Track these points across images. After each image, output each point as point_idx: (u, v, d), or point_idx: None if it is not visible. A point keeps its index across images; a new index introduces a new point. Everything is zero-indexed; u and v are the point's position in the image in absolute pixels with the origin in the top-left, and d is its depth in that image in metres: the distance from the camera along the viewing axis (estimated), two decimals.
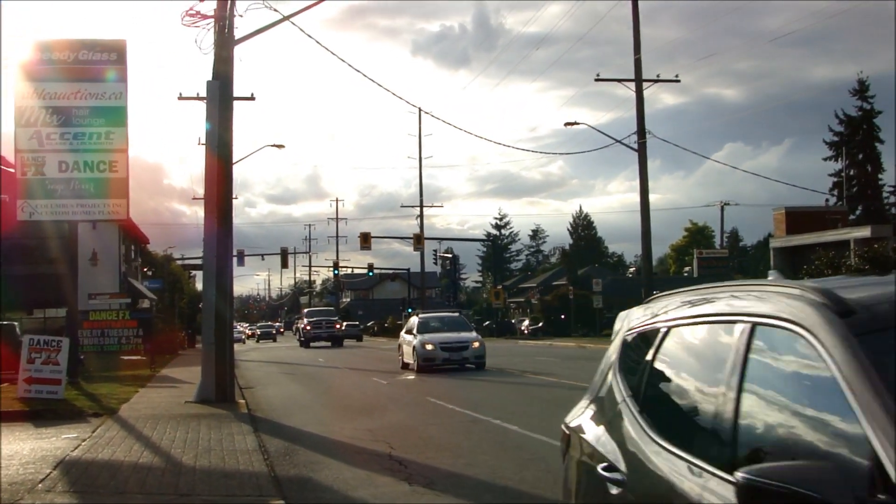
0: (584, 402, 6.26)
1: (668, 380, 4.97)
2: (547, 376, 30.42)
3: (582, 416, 6.04)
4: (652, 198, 55.45)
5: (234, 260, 27.23)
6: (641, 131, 52.89)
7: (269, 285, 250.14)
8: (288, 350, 72.05)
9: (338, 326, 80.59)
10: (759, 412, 3.95)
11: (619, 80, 54.71)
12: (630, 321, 5.81)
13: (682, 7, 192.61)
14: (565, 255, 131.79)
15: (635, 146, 53.11)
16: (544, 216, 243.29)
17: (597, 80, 55.18)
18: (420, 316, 40.06)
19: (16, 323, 40.11)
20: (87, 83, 27.02)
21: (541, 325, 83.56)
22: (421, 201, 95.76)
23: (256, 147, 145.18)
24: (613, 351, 5.88)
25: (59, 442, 16.43)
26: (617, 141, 55.08)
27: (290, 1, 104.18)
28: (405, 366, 37.73)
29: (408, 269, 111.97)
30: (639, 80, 53.11)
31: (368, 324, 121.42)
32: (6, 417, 19.66)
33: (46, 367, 22.25)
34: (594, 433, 5.55)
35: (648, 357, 5.09)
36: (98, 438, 16.84)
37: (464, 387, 28.43)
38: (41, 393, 22.04)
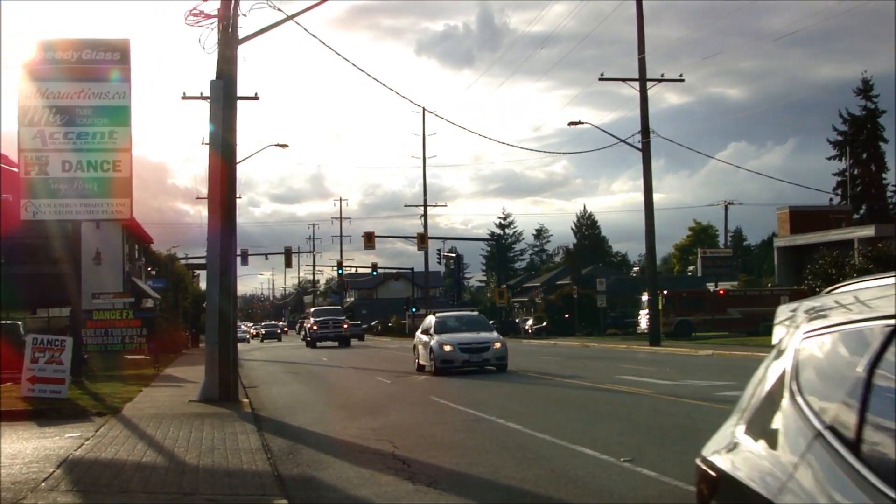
0: (732, 428, 4.70)
1: None
2: (551, 376, 30.39)
3: (738, 452, 4.38)
4: (656, 197, 55.59)
5: (238, 259, 27.33)
6: (645, 130, 52.93)
7: (272, 285, 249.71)
8: (292, 350, 72.05)
9: (345, 326, 78.01)
10: None
11: (624, 80, 54.78)
12: (808, 317, 4.21)
13: (686, 7, 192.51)
14: (569, 254, 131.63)
15: (639, 145, 53.17)
16: (548, 215, 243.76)
17: (601, 79, 55.27)
18: (437, 315, 37.69)
19: (19, 322, 40.24)
20: (90, 83, 27.05)
21: (545, 324, 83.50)
22: (425, 200, 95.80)
23: (260, 146, 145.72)
24: (785, 358, 4.20)
25: (62, 441, 16.43)
26: (621, 140, 55.19)
27: (293, 1, 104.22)
28: (420, 368, 35.58)
29: (412, 269, 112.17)
30: (643, 80, 53.15)
31: (372, 323, 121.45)
32: (10, 416, 19.67)
33: (50, 366, 22.25)
34: (767, 477, 3.83)
35: (860, 370, 3.50)
36: (101, 437, 16.85)
37: (467, 386, 28.41)
38: (45, 392, 22.05)
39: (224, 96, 24.23)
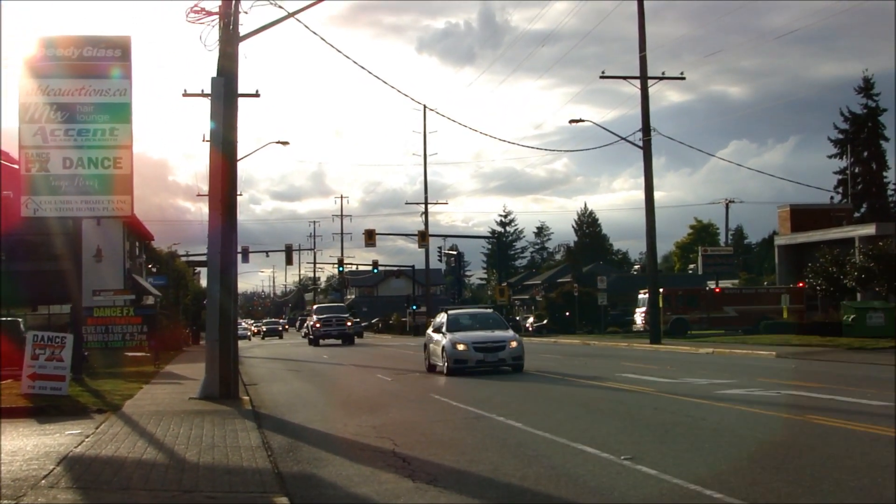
0: None
1: None
2: (551, 374, 30.38)
3: None
4: (657, 195, 55.62)
5: (239, 257, 27.35)
6: (646, 129, 52.94)
7: (273, 282, 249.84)
8: (293, 347, 72.00)
9: (349, 324, 75.32)
10: None
11: (625, 78, 54.79)
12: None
13: (688, 4, 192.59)
14: (570, 252, 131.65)
15: (640, 143, 53.16)
16: (549, 213, 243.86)
17: (602, 77, 55.37)
18: (450, 312, 35.55)
19: (20, 319, 40.21)
20: (91, 80, 27.03)
21: (545, 322, 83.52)
22: (426, 198, 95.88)
23: (261, 144, 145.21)
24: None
25: (62, 438, 16.43)
26: (622, 138, 55.18)
27: None
28: (431, 368, 33.74)
29: (412, 266, 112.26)
30: (644, 78, 53.16)
31: (373, 320, 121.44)
32: (10, 413, 19.67)
33: (50, 363, 22.23)
34: None
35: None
36: (102, 435, 16.85)
37: (468, 384, 28.40)
38: (45, 389, 22.04)
39: (225, 93, 24.22)
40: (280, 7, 25.32)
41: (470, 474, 13.01)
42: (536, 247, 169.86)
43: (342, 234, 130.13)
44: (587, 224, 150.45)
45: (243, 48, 24.82)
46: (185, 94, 55.16)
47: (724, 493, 11.03)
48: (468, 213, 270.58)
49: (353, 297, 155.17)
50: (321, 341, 72.41)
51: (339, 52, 31.25)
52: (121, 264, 56.17)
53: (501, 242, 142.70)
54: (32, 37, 27.82)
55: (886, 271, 47.49)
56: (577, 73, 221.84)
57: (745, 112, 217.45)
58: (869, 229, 59.77)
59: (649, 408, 20.16)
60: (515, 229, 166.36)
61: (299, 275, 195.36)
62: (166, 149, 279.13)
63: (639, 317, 68.84)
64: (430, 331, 35.84)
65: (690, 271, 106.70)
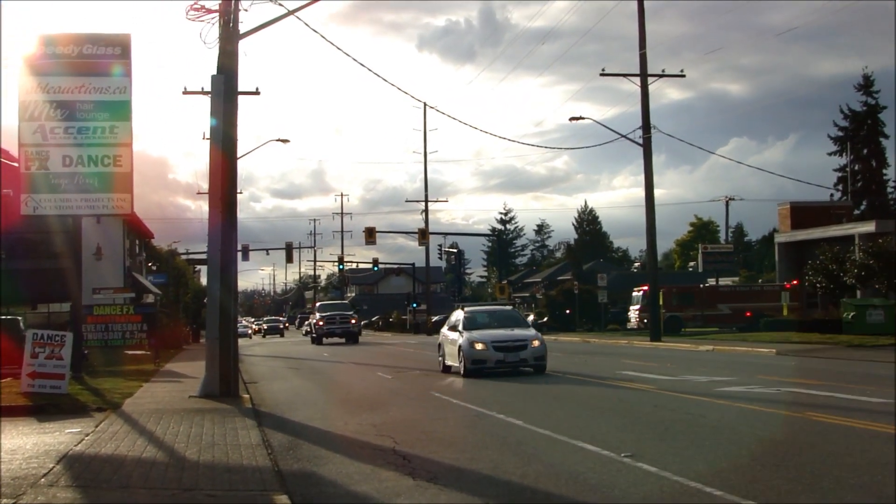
0: None
1: None
2: (552, 371, 30.36)
3: None
4: (657, 193, 55.64)
5: (239, 255, 27.34)
6: (646, 126, 52.92)
7: (273, 280, 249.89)
8: (293, 345, 71.93)
9: (353, 321, 71.88)
10: None
11: (625, 75, 54.78)
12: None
13: (688, 2, 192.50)
14: (570, 249, 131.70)
15: (640, 141, 53.13)
16: (549, 211, 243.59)
17: (602, 74, 55.39)
18: (466, 309, 33.48)
19: (19, 317, 40.19)
20: (91, 77, 26.99)
21: (546, 319, 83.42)
22: (426, 196, 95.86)
23: (261, 141, 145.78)
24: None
25: (62, 436, 16.42)
26: (622, 136, 55.18)
27: None
28: (446, 368, 31.95)
29: (413, 264, 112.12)
30: (644, 75, 53.13)
31: (373, 318, 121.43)
32: (9, 412, 19.66)
33: (50, 361, 22.21)
34: None
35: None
36: (101, 433, 16.84)
37: (467, 382, 28.39)
38: (44, 387, 22.02)
39: (225, 91, 24.21)
40: (280, 5, 25.32)
41: (470, 472, 13.01)
42: (537, 244, 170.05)
43: (342, 231, 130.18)
44: (587, 222, 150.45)
45: (243, 46, 24.82)
46: (185, 92, 55.13)
47: (724, 491, 11.03)
48: (468, 210, 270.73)
49: (354, 294, 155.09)
50: (324, 340, 70.15)
51: (339, 49, 31.26)
52: (121, 262, 56.17)
53: (502, 240, 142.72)
54: (32, 35, 27.81)
55: (886, 269, 47.48)
56: (578, 70, 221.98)
57: (745, 109, 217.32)
58: (869, 226, 59.79)
59: (649, 405, 20.16)
60: (516, 227, 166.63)
61: (299, 273, 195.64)
62: (166, 147, 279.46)
63: (633, 314, 68.89)
64: (445, 329, 33.68)
65: (691, 269, 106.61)
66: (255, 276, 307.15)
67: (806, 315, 55.13)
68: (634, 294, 69.98)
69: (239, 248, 28.19)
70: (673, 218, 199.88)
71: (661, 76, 55.04)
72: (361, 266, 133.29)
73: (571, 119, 56.84)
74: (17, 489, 11.56)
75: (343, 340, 69.90)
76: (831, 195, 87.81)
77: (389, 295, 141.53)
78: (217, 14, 24.33)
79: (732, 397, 20.98)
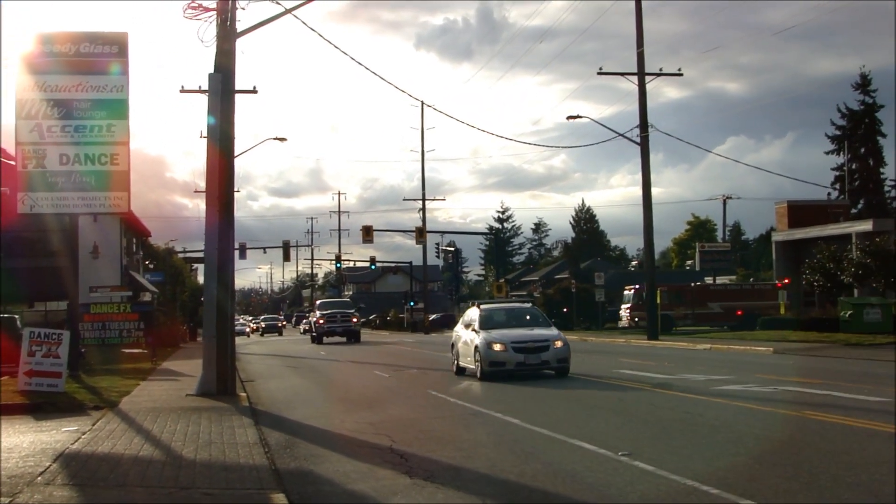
0: None
1: None
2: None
3: None
4: (654, 191, 55.59)
5: (236, 253, 27.34)
6: (644, 125, 52.91)
7: (270, 278, 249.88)
8: (291, 344, 71.83)
9: (354, 320, 69.28)
10: None
11: (622, 74, 54.76)
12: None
13: (685, 1, 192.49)
14: (568, 248, 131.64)
15: (638, 140, 53.13)
16: (547, 209, 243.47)
17: (599, 73, 55.29)
18: (482, 307, 31.24)
19: (17, 316, 40.14)
20: (88, 76, 26.94)
21: None
22: (423, 194, 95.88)
23: (259, 140, 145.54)
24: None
25: (59, 435, 16.42)
26: (620, 134, 55.17)
27: None
28: (461, 371, 30.04)
29: (410, 263, 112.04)
30: (641, 74, 53.12)
31: (370, 317, 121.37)
32: (6, 410, 19.66)
33: (47, 359, 22.21)
34: None
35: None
36: (98, 431, 16.83)
37: (464, 380, 28.37)
38: (41, 386, 22.01)
39: (222, 89, 24.21)
40: (278, 3, 25.31)
41: (467, 470, 13.01)
42: (534, 243, 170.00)
43: (339, 230, 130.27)
44: (585, 220, 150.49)
45: (240, 44, 24.84)
46: (183, 91, 55.09)
47: (721, 489, 11.03)
48: (466, 209, 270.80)
49: (351, 293, 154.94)
50: (325, 339, 67.87)
51: (336, 48, 31.19)
52: (118, 261, 56.12)
53: (499, 239, 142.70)
54: (29, 33, 27.77)
55: (883, 267, 47.48)
56: (575, 69, 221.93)
57: (742, 108, 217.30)
58: (866, 225, 59.77)
59: (647, 404, 20.16)
60: (513, 225, 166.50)
61: (297, 271, 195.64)
62: (164, 145, 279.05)
63: (624, 313, 68.92)
64: (458, 327, 31.79)
65: (688, 267, 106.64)
66: (253, 274, 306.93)
67: (803, 314, 55.10)
68: (626, 293, 70.05)
69: (236, 246, 28.16)
70: (670, 216, 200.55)
71: (658, 75, 55.04)
72: (359, 265, 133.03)
73: (569, 118, 56.69)
74: (14, 487, 11.55)
75: (344, 339, 68.05)
76: (829, 194, 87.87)
77: (387, 293, 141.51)
78: (214, 12, 24.34)
79: (730, 396, 20.98)
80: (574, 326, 76.87)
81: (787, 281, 63.82)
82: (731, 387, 23.13)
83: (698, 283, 71.48)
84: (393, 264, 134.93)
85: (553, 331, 29.07)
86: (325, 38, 30.58)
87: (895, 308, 45.58)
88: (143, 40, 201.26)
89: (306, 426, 18.64)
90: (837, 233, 60.70)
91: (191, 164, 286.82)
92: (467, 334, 29.69)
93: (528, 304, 33.87)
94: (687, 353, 40.98)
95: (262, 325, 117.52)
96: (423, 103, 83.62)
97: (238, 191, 58.98)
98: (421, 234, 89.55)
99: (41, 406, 20.48)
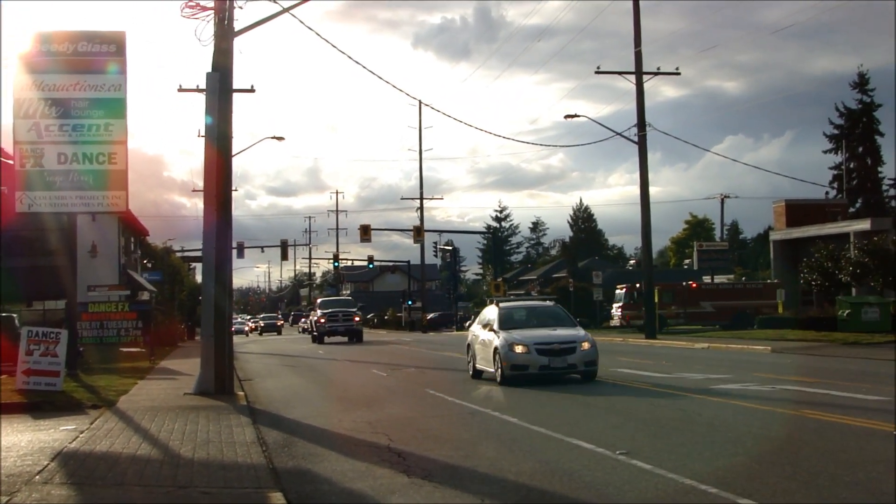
0: None
1: None
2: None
3: None
4: (652, 190, 55.51)
5: (234, 252, 27.32)
6: (642, 124, 52.92)
7: (268, 277, 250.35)
8: (289, 343, 71.82)
9: (356, 319, 67.47)
10: None
11: (620, 73, 54.77)
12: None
13: (683, 0, 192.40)
14: (565, 247, 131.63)
15: (636, 139, 53.14)
16: (544, 209, 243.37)
17: (597, 72, 55.24)
18: (501, 305, 28.97)
19: (14, 315, 40.09)
20: (86, 75, 26.92)
21: None
22: (421, 193, 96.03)
23: (256, 139, 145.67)
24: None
25: (57, 434, 16.41)
26: (617, 133, 55.19)
27: None
28: (477, 374, 27.91)
29: (408, 262, 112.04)
30: (639, 73, 53.14)
31: (368, 316, 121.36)
32: (4, 409, 19.64)
33: (45, 358, 22.19)
34: None
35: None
36: (96, 430, 16.83)
37: (462, 379, 28.39)
38: (39, 385, 22.00)
39: (220, 88, 24.20)
40: (275, 2, 25.31)
41: (465, 469, 13.01)
42: (532, 242, 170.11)
43: (337, 229, 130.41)
44: (583, 219, 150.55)
45: (238, 43, 24.84)
46: (181, 90, 55.19)
47: (719, 488, 11.03)
48: (463, 208, 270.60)
49: (349, 292, 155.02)
50: (326, 338, 65.89)
51: (333, 47, 31.18)
52: (116, 260, 56.07)
53: (497, 238, 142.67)
54: (27, 32, 27.76)
55: (881, 266, 47.52)
56: (573, 68, 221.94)
57: (740, 107, 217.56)
58: (864, 224, 59.78)
59: (645, 403, 20.17)
60: (511, 225, 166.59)
61: (295, 270, 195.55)
62: (162, 144, 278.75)
63: (616, 312, 68.94)
64: (475, 327, 29.45)
65: (686, 266, 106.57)
66: (251, 273, 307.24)
67: (801, 313, 55.10)
68: (618, 292, 70.13)
69: (234, 245, 28.13)
70: (668, 215, 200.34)
71: (656, 74, 55.03)
72: (357, 264, 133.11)
73: (567, 117, 56.70)
74: (12, 486, 11.54)
75: (345, 339, 66.36)
76: (826, 193, 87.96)
77: (385, 292, 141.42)
78: (212, 12, 24.34)
79: (728, 395, 20.99)
80: None
81: (776, 282, 63.99)
82: (730, 386, 23.14)
83: (688, 282, 71.46)
84: (391, 263, 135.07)
85: (579, 331, 27.12)
86: (322, 37, 30.62)
87: (893, 307, 45.63)
88: (141, 39, 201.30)
89: (304, 425, 18.63)
90: (835, 232, 60.72)
91: (189, 163, 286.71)
92: (485, 334, 27.49)
93: (551, 302, 31.55)
94: (685, 352, 40.99)
95: (261, 324, 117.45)
96: (420, 102, 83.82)
97: (236, 190, 58.88)
98: (419, 233, 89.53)
99: (39, 405, 20.46)
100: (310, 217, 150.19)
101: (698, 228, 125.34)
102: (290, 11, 25.45)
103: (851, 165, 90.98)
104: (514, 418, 18.06)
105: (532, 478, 12.25)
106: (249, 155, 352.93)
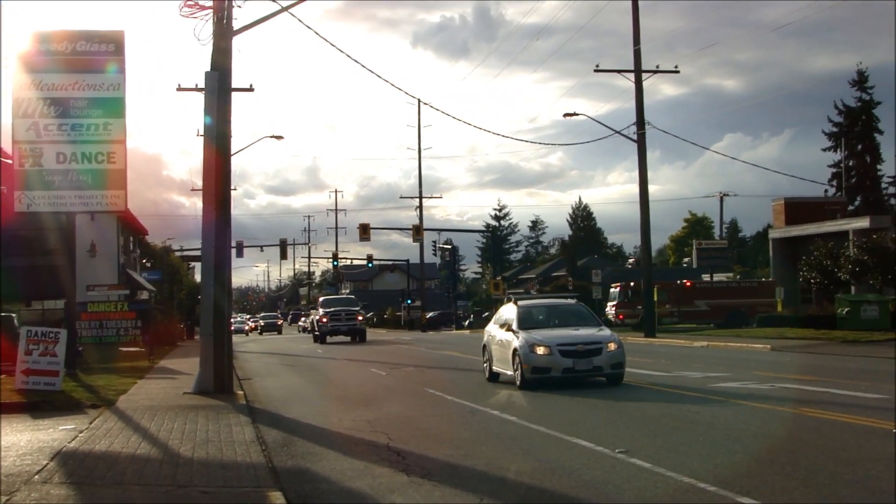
0: None
1: None
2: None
3: None
4: (651, 189, 55.53)
5: (233, 251, 27.31)
6: (641, 122, 52.90)
7: (268, 277, 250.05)
8: (288, 342, 71.82)
9: (360, 318, 65.36)
10: None
11: (619, 71, 54.74)
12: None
13: None
14: (565, 246, 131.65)
15: (635, 137, 53.12)
16: (544, 207, 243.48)
17: (596, 70, 55.18)
18: (520, 304, 27.03)
19: (14, 314, 40.11)
20: (85, 74, 26.91)
21: None
22: (420, 192, 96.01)
23: (255, 138, 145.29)
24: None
25: (56, 433, 16.41)
26: (616, 132, 55.19)
27: None
28: (494, 376, 26.32)
29: (407, 261, 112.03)
30: (638, 71, 53.12)
31: (367, 315, 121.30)
32: (4, 409, 19.62)
33: (44, 358, 22.19)
34: None
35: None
36: (95, 430, 16.82)
37: (462, 377, 28.39)
38: (39, 384, 22.00)
39: (219, 88, 24.20)
40: (274, 1, 25.30)
41: (464, 468, 13.01)
42: (531, 241, 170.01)
43: (336, 228, 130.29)
44: (582, 218, 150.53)
45: (237, 42, 24.82)
46: (179, 89, 55.14)
47: (718, 486, 11.03)
48: (463, 207, 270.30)
49: (348, 291, 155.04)
50: (329, 338, 63.49)
51: (332, 45, 31.24)
52: (115, 259, 56.07)
53: (496, 236, 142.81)
54: (26, 32, 27.75)
55: (880, 264, 47.51)
56: (572, 66, 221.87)
57: (739, 105, 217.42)
58: (863, 222, 59.75)
59: (644, 401, 20.18)
60: (510, 223, 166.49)
61: (294, 269, 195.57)
62: (161, 143, 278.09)
63: (611, 310, 68.96)
64: (492, 326, 27.80)
65: (685, 265, 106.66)
66: (250, 272, 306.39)
67: (800, 311, 55.10)
68: (612, 290, 70.22)
69: (233, 244, 28.08)
70: (667, 214, 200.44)
71: (655, 72, 55.01)
72: (356, 262, 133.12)
73: (566, 115, 56.71)
74: (11, 486, 11.54)
75: (349, 339, 64.29)
76: (825, 191, 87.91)
77: (384, 291, 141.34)
78: (211, 11, 24.32)
79: (727, 393, 20.99)
80: None
81: (772, 280, 63.96)
82: (729, 384, 23.15)
83: (682, 281, 71.49)
84: (390, 262, 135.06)
85: (605, 331, 25.25)
86: (321, 35, 30.63)
87: (892, 305, 45.64)
88: (140, 39, 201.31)
89: (303, 424, 18.63)
90: (834, 230, 60.70)
91: (188, 162, 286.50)
92: (503, 335, 25.79)
93: (573, 301, 29.48)
94: (684, 350, 41.00)
95: (261, 323, 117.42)
96: (419, 101, 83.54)
97: (235, 189, 58.89)
98: (418, 231, 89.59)
99: (38, 405, 20.45)
100: (309, 216, 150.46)
101: (697, 227, 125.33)
102: (289, 10, 25.44)
103: (850, 163, 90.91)
104: (513, 417, 18.07)
105: (531, 476, 12.25)
106: (248, 154, 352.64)
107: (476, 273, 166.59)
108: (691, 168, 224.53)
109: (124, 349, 38.14)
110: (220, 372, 23.28)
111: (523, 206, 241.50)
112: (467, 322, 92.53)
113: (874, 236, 50.09)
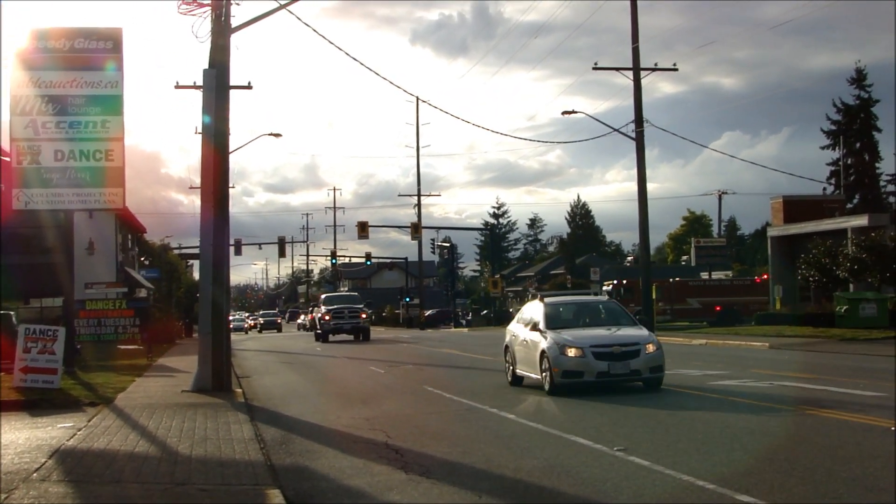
0: None
1: None
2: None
3: None
4: (650, 187, 55.56)
5: (232, 249, 27.32)
6: (639, 120, 52.83)
7: (266, 274, 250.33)
8: (287, 340, 71.82)
9: (363, 316, 63.39)
10: None
11: (618, 69, 54.65)
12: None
13: None
14: (563, 243, 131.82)
15: (633, 135, 53.05)
16: (542, 205, 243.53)
17: (595, 68, 55.12)
18: (547, 301, 24.87)
19: (12, 312, 40.07)
20: (83, 72, 26.91)
21: None
22: (419, 190, 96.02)
23: (254, 136, 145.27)
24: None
25: (54, 431, 16.40)
26: (615, 130, 55.09)
27: None
28: (518, 379, 24.33)
29: (405, 258, 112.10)
30: (637, 69, 53.05)
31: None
32: (2, 407, 19.61)
33: (42, 356, 22.18)
34: None
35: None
36: (94, 428, 16.82)
37: (461, 375, 28.38)
38: (37, 382, 21.99)
39: (217, 85, 24.19)
40: None
41: (463, 466, 13.01)
42: (529, 239, 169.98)
43: (335, 226, 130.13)
44: (580, 216, 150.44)
45: (235, 40, 24.83)
46: (178, 86, 55.07)
47: (717, 485, 11.03)
48: (461, 205, 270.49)
49: (347, 288, 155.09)
50: (331, 336, 61.71)
51: (331, 43, 31.23)
52: (113, 257, 56.04)
53: (494, 234, 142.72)
54: (24, 29, 27.73)
55: (879, 262, 47.50)
56: (570, 64, 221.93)
57: (738, 103, 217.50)
58: (861, 220, 59.74)
59: (642, 399, 20.16)
60: (508, 221, 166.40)
61: (292, 267, 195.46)
62: (159, 141, 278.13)
63: None
64: (515, 326, 25.56)
65: (683, 263, 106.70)
66: (248, 270, 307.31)
67: (798, 309, 55.11)
68: (604, 288, 70.37)
69: (231, 242, 28.10)
70: (666, 212, 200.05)
71: (653, 70, 54.91)
72: (354, 260, 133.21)
73: (564, 113, 56.68)
74: (10, 484, 11.53)
75: (352, 338, 62.49)
76: (824, 189, 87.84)
77: (383, 289, 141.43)
78: (209, 8, 24.30)
79: (725, 391, 20.99)
80: None
81: (765, 277, 63.99)
82: (727, 382, 23.14)
83: (675, 279, 71.50)
84: (388, 260, 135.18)
85: (642, 331, 23.27)
86: (319, 33, 30.71)
87: (891, 303, 45.65)
88: (138, 36, 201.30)
89: (302, 422, 18.63)
90: (833, 228, 60.69)
91: (186, 160, 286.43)
92: (528, 335, 23.68)
93: (605, 298, 26.32)
94: (682, 348, 40.98)
95: (261, 321, 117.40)
96: (418, 99, 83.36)
97: (233, 187, 58.95)
98: (416, 229, 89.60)
99: (37, 402, 20.45)
100: (307, 214, 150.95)
101: (696, 225, 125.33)
102: (287, 8, 25.44)
103: (849, 161, 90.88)
104: (511, 415, 18.08)
105: (530, 474, 12.25)
106: (247, 152, 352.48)
107: (475, 271, 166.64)
108: (690, 166, 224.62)
109: (122, 347, 38.14)
110: (218, 370, 23.28)
111: (522, 204, 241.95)
112: (465, 322, 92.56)
113: (873, 234, 50.08)
